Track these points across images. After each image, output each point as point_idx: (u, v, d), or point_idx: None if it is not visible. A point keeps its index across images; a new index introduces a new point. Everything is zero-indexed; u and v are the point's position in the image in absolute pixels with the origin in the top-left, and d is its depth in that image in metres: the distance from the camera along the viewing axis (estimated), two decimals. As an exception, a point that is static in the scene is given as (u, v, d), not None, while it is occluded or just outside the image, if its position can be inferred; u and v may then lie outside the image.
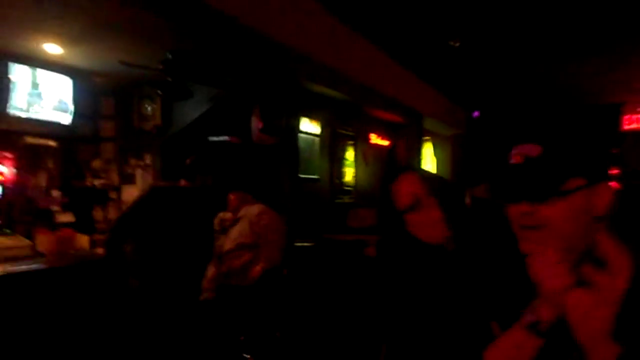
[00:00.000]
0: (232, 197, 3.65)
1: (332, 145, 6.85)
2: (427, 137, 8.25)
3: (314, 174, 6.36)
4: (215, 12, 2.98)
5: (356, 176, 7.37)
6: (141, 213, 3.67)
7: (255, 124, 5.26)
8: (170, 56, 4.16)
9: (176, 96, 4.60)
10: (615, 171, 8.00)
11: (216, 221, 3.75)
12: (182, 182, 4.15)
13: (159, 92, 4.70)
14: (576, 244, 0.88)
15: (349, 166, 7.24)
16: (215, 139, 5.25)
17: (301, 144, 6.10)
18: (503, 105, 7.77)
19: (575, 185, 0.88)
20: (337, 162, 6.96)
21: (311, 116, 6.28)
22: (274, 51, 3.73)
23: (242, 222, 3.52)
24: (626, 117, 7.56)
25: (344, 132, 7.16)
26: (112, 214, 5.00)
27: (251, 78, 4.86)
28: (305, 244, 5.01)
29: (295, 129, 6.03)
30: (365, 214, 6.30)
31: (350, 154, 7.26)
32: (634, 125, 7.47)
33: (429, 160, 8.64)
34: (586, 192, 0.89)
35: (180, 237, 3.73)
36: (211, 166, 4.59)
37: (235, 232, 3.52)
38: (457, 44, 4.56)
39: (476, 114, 8.17)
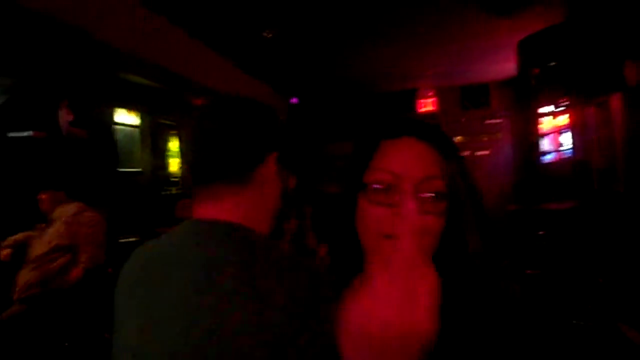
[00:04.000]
0: (43, 197, 3.40)
1: (154, 136, 6.64)
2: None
3: (136, 167, 6.12)
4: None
5: (182, 167, 7.26)
6: None
7: (64, 116, 4.87)
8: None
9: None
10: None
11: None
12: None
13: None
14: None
15: (173, 157, 7.11)
16: (16, 134, 4.73)
17: (119, 136, 5.82)
18: (318, 92, 8.35)
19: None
20: (160, 153, 6.78)
21: (129, 107, 6.01)
22: (78, 41, 3.52)
23: (56, 223, 3.31)
24: (420, 101, 8.69)
25: (166, 122, 6.98)
26: None
27: (57, 66, 4.48)
28: (132, 239, 4.84)
29: (111, 121, 5.73)
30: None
31: (174, 144, 7.12)
32: (426, 109, 8.63)
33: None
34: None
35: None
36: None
37: (49, 234, 3.29)
38: (270, 35, 4.79)
39: (294, 100, 8.61)
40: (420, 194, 0.79)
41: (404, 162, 0.81)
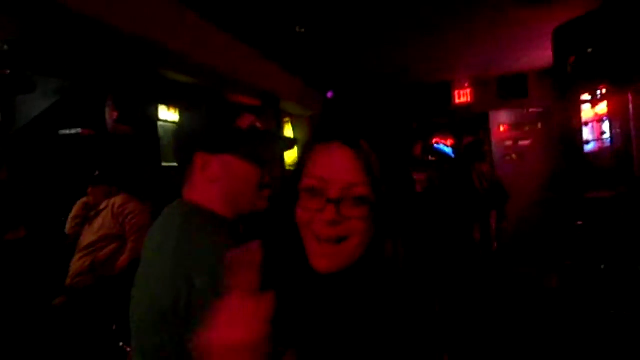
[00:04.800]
0: (92, 189, 3.63)
1: (193, 131, 6.86)
2: (287, 119, 8.62)
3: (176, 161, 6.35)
4: (57, 5, 2.92)
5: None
6: None
7: (110, 114, 5.14)
8: (6, 47, 3.91)
9: (16, 89, 4.33)
10: (452, 141, 9.11)
11: (75, 207, 3.69)
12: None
13: (-4, 85, 4.38)
14: None
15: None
16: (66, 132, 5.03)
17: (161, 132, 6.06)
18: (353, 85, 8.40)
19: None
20: (200, 148, 7.00)
21: (170, 103, 6.25)
22: (123, 41, 3.72)
23: (104, 214, 3.53)
24: (456, 92, 8.62)
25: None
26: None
27: (102, 67, 4.73)
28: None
29: (154, 117, 5.97)
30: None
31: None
32: (462, 100, 8.56)
33: (290, 141, 8.98)
34: None
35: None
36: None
37: (97, 224, 3.52)
38: (302, 30, 4.89)
39: (330, 94, 8.70)
40: (345, 199, 0.79)
41: (330, 167, 0.81)
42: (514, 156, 8.30)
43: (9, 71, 4.05)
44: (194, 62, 4.65)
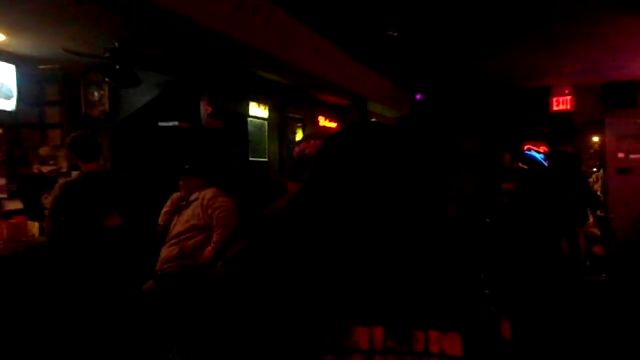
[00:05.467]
0: (184, 181, 3.80)
1: (281, 128, 7.03)
2: (373, 120, 8.58)
3: (263, 157, 6.54)
4: (163, 11, 3.10)
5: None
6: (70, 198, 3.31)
7: (205, 109, 5.38)
8: (117, 44, 4.21)
9: (124, 83, 4.64)
10: (546, 149, 8.60)
11: (168, 202, 3.89)
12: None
13: (106, 79, 4.72)
14: None
15: (298, 149, 7.45)
16: (165, 124, 5.33)
17: (250, 128, 6.26)
18: (444, 88, 8.18)
19: None
20: (287, 144, 7.16)
21: (260, 100, 6.44)
22: (221, 43, 3.87)
23: (194, 205, 3.69)
24: (555, 99, 8.12)
25: (292, 115, 7.35)
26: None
27: (200, 65, 4.96)
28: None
29: (245, 114, 6.18)
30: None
31: (299, 137, 7.48)
32: (561, 107, 8.05)
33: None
34: None
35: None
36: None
37: (187, 215, 3.69)
38: (395, 34, 4.82)
39: (419, 96, 8.54)
40: None
41: None
42: (626, 169, 7.61)
43: (118, 66, 4.35)
44: (284, 62, 4.75)
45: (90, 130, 4.37)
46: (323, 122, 8.09)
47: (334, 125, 8.30)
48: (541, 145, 8.74)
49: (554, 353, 3.32)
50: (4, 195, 4.62)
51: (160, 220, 3.91)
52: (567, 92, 8.08)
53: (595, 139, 8.85)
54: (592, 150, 9.00)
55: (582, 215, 4.64)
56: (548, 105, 8.10)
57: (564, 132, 8.03)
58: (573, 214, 4.56)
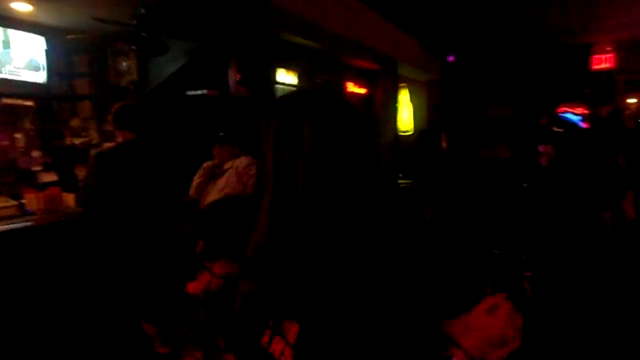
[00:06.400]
0: (218, 149, 3.74)
1: (309, 95, 6.89)
2: (403, 84, 8.34)
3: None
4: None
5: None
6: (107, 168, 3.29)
7: (233, 76, 5.28)
8: (143, 11, 4.12)
9: (151, 51, 4.57)
10: (584, 111, 8.24)
11: (200, 172, 3.84)
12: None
13: (133, 47, 4.65)
14: None
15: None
16: (193, 92, 5.27)
17: (279, 95, 6.15)
18: (478, 49, 7.87)
19: None
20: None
21: (287, 67, 6.30)
22: (249, 3, 3.74)
23: (229, 173, 3.63)
24: (596, 57, 7.73)
25: (320, 81, 7.19)
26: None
27: (227, 31, 4.84)
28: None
29: (272, 80, 6.06)
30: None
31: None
32: (602, 65, 7.66)
33: (405, 107, 8.76)
34: None
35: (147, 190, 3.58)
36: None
37: (222, 183, 3.64)
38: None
39: (451, 58, 8.24)
40: None
41: None
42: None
43: (144, 34, 4.27)
44: (312, 25, 4.59)
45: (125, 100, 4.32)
46: (352, 87, 7.91)
47: (362, 90, 8.11)
48: (579, 107, 8.40)
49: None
50: (39, 168, 4.67)
51: (193, 190, 3.86)
52: (608, 49, 7.68)
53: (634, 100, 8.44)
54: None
55: (629, 179, 4.41)
56: (587, 63, 7.72)
57: (604, 92, 7.67)
58: (618, 180, 4.34)
